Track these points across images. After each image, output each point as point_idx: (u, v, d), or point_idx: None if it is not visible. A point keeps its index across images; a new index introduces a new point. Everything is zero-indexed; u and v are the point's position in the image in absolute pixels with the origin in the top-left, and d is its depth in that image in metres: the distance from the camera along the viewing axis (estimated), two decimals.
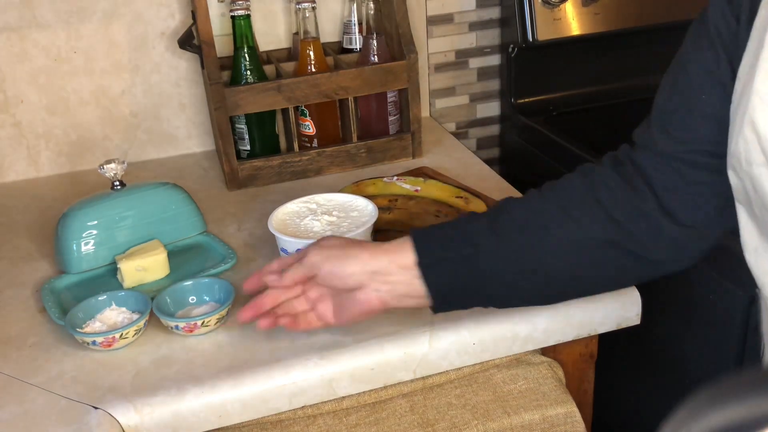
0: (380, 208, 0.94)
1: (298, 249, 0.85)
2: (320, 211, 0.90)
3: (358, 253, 0.73)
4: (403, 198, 0.99)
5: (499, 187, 1.12)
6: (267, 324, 0.77)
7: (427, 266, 0.71)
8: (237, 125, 1.19)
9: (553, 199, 0.74)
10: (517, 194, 1.10)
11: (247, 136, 1.20)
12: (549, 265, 0.72)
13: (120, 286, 0.91)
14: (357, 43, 1.28)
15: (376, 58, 1.20)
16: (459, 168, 1.19)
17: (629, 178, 0.71)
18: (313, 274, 0.74)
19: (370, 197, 0.94)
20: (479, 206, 0.96)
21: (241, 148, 1.21)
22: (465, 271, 0.72)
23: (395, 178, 1.03)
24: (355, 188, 1.02)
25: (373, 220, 0.87)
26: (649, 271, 0.74)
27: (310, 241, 0.82)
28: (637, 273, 0.75)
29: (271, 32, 1.30)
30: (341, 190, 1.01)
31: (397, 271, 0.72)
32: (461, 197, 0.97)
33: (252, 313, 0.77)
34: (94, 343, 0.80)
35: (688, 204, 0.69)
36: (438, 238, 0.73)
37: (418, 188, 0.99)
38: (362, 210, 0.90)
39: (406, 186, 1.00)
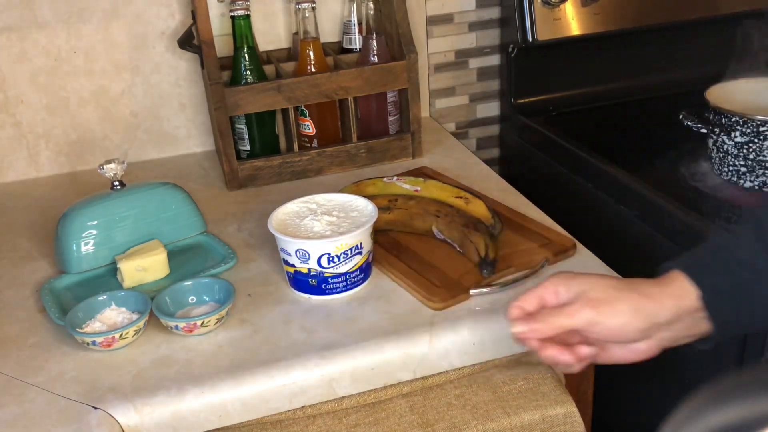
0: (380, 208, 0.93)
1: (298, 249, 0.85)
2: (320, 211, 0.90)
3: (627, 293, 0.65)
4: (403, 198, 0.99)
5: (498, 187, 1.13)
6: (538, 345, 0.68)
7: (712, 304, 0.64)
8: (237, 125, 1.19)
9: None
10: (517, 194, 1.10)
11: (247, 136, 1.20)
12: None
13: (120, 286, 0.91)
14: (357, 43, 1.28)
15: (376, 58, 1.20)
16: (459, 168, 1.19)
17: None
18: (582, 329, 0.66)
19: (370, 197, 0.94)
20: (479, 206, 0.96)
21: (241, 148, 1.21)
22: (747, 300, 0.64)
23: (395, 178, 1.03)
24: (355, 188, 1.02)
25: (373, 220, 0.87)
26: None
27: (310, 242, 0.82)
28: None
29: (271, 32, 1.30)
30: (341, 190, 1.01)
31: (684, 317, 0.65)
32: (461, 197, 0.97)
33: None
34: (94, 343, 0.80)
35: None
36: (714, 269, 0.65)
37: (418, 188, 0.99)
38: (362, 210, 0.90)
39: (406, 186, 1.00)
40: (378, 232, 0.96)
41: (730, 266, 0.65)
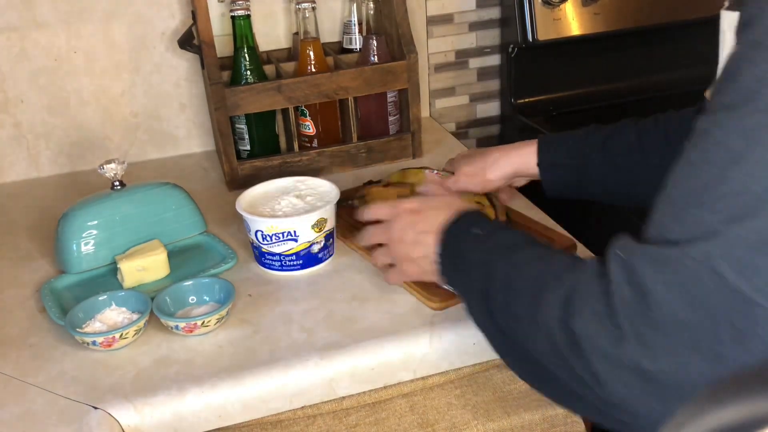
0: (402, 197, 0.98)
1: (244, 219, 0.93)
2: (295, 193, 0.97)
3: (496, 159, 0.95)
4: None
5: None
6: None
7: (544, 168, 0.92)
8: (237, 125, 1.20)
9: (664, 126, 0.85)
10: (517, 194, 1.10)
11: (247, 136, 1.20)
12: (642, 185, 0.83)
13: (120, 286, 0.91)
14: (357, 43, 1.28)
15: (376, 58, 1.20)
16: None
17: None
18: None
19: (407, 184, 1.03)
20: (489, 214, 0.95)
21: (241, 148, 1.21)
22: (575, 176, 0.90)
23: (435, 172, 1.05)
24: (401, 174, 1.06)
25: (313, 219, 0.91)
26: None
27: (249, 216, 0.91)
28: None
29: (271, 32, 1.30)
30: (392, 174, 1.08)
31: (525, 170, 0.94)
32: (479, 203, 0.96)
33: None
34: (94, 343, 0.80)
35: None
36: (558, 146, 0.92)
37: None
38: (321, 205, 0.94)
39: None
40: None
41: (571, 150, 0.91)
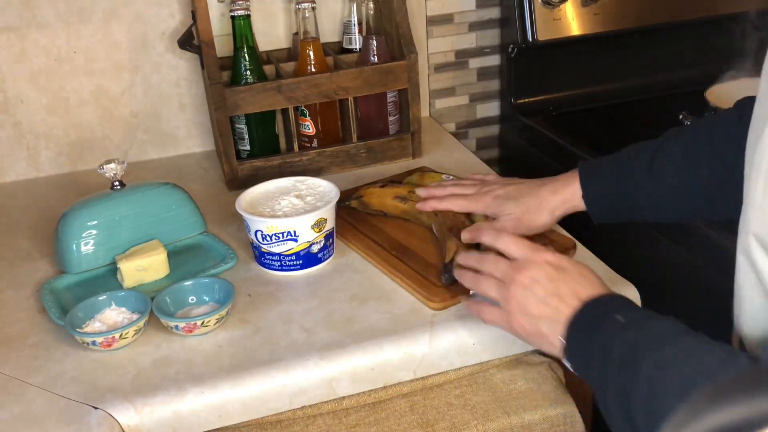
0: (398, 197, 1.00)
1: (245, 219, 0.93)
2: (295, 193, 0.97)
3: (544, 204, 0.89)
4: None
5: None
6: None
7: (590, 199, 0.86)
8: (237, 125, 1.20)
9: (708, 136, 0.81)
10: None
11: (247, 136, 1.20)
12: (698, 200, 0.81)
13: (120, 286, 0.91)
14: (357, 43, 1.28)
15: (376, 58, 1.20)
16: (459, 168, 1.19)
17: None
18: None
19: (407, 185, 1.03)
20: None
21: (241, 148, 1.21)
22: (624, 203, 0.85)
23: (451, 177, 1.04)
24: (420, 177, 1.06)
25: (314, 218, 0.91)
26: None
27: (249, 216, 0.91)
28: None
29: (271, 32, 1.30)
30: (410, 175, 1.08)
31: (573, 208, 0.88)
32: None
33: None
34: (94, 343, 0.80)
35: None
36: (601, 174, 0.87)
37: None
38: (321, 205, 0.94)
39: None
40: (383, 229, 0.99)
41: (618, 176, 0.85)
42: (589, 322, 0.67)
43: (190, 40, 1.17)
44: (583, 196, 0.87)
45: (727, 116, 0.81)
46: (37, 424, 0.73)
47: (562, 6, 1.29)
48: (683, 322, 0.64)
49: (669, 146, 0.84)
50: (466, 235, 0.87)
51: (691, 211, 0.84)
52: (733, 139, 0.76)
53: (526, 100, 1.40)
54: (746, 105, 0.76)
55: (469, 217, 0.95)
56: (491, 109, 1.48)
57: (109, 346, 0.81)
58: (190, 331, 0.82)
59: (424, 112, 1.41)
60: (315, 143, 1.21)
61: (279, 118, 1.24)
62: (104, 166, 0.95)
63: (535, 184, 0.91)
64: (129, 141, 1.30)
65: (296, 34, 1.25)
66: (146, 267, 0.92)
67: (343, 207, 1.02)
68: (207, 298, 0.87)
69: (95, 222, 0.93)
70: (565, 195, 0.88)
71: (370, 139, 1.21)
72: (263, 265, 0.94)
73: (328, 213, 0.92)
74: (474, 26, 1.40)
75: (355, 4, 1.26)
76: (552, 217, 0.89)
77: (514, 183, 0.95)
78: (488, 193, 0.94)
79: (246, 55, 1.16)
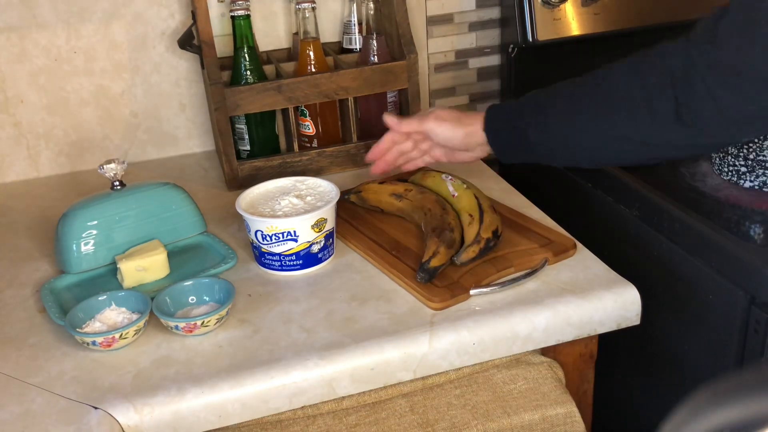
0: (395, 194, 1.02)
1: (244, 219, 0.94)
2: (295, 193, 0.97)
3: (458, 124, 0.97)
4: (416, 190, 1.00)
5: (499, 187, 1.13)
6: (383, 167, 1.03)
7: (490, 132, 0.95)
8: (237, 125, 1.20)
9: (602, 91, 0.88)
10: (517, 194, 1.10)
11: (247, 136, 1.20)
12: (584, 146, 0.89)
13: (120, 286, 0.91)
14: (357, 43, 1.28)
15: (376, 58, 1.20)
16: (459, 168, 1.18)
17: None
18: (426, 132, 0.99)
19: (402, 181, 1.05)
20: (472, 230, 0.94)
21: (241, 148, 1.21)
22: (518, 138, 0.93)
23: (450, 177, 1.04)
24: (422, 176, 1.07)
25: (314, 218, 0.91)
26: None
27: (249, 216, 0.91)
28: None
29: (271, 32, 1.30)
30: (414, 174, 1.09)
31: (479, 136, 0.96)
32: (471, 215, 0.95)
33: (373, 156, 1.03)
34: (94, 343, 0.80)
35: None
36: (503, 111, 0.96)
37: (456, 193, 0.99)
38: (321, 204, 0.94)
39: (450, 188, 1.01)
40: (382, 228, 1.00)
41: (514, 114, 0.94)
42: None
43: (190, 40, 1.17)
44: (484, 129, 0.95)
45: (623, 61, 0.89)
46: (37, 424, 0.73)
47: (562, 6, 1.29)
48: None
49: (562, 90, 0.93)
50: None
51: (587, 160, 0.93)
52: (626, 85, 0.86)
53: None
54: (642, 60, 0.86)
55: (458, 216, 0.95)
56: None
57: (109, 346, 0.81)
58: (190, 331, 0.82)
59: None
60: (315, 143, 1.21)
61: (279, 118, 1.24)
62: (104, 166, 0.95)
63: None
64: (129, 141, 1.30)
65: (296, 34, 1.25)
66: (146, 267, 0.92)
67: (342, 201, 1.03)
68: (207, 298, 0.87)
69: (95, 222, 0.93)
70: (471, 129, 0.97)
71: (370, 139, 1.21)
72: (263, 265, 0.94)
73: (328, 213, 0.92)
74: (474, 26, 1.40)
75: (355, 4, 1.26)
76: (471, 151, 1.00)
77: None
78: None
79: (246, 55, 1.16)
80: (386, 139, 1.02)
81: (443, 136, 0.98)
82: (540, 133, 0.91)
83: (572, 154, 0.91)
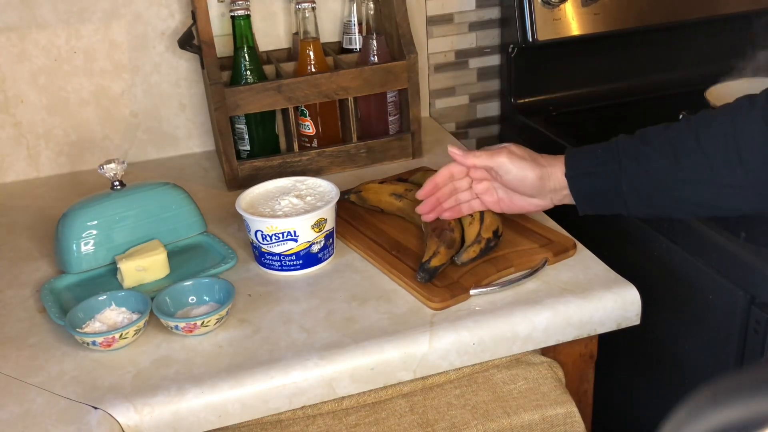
0: (395, 195, 1.01)
1: (245, 219, 0.93)
2: (295, 193, 0.97)
3: (535, 164, 0.87)
4: (415, 190, 1.00)
5: None
6: (430, 208, 0.92)
7: (573, 176, 0.85)
8: (237, 125, 1.20)
9: (694, 134, 0.80)
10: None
11: (247, 136, 1.20)
12: (679, 193, 0.81)
13: (120, 286, 0.91)
14: (357, 43, 1.28)
15: (376, 58, 1.20)
16: None
17: None
18: (495, 167, 0.88)
19: (402, 182, 1.05)
20: (473, 230, 0.94)
21: (241, 148, 1.21)
22: (608, 185, 0.83)
23: None
24: (422, 175, 1.06)
25: (314, 218, 0.91)
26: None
27: (249, 216, 0.91)
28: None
29: (271, 32, 1.30)
30: (415, 174, 1.08)
31: (557, 180, 0.87)
32: (471, 215, 0.95)
33: (427, 192, 0.92)
34: (94, 343, 0.80)
35: None
36: (589, 155, 0.85)
37: None
38: (321, 205, 0.94)
39: None
40: (382, 228, 0.99)
41: (602, 158, 0.84)
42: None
43: (190, 40, 1.17)
44: (566, 174, 0.85)
45: (717, 111, 0.82)
46: (37, 424, 0.73)
47: (562, 6, 1.30)
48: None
49: (656, 136, 0.83)
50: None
51: (680, 212, 0.86)
52: (721, 136, 0.78)
53: (526, 100, 1.40)
54: (735, 108, 0.79)
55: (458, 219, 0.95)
56: (491, 109, 1.48)
57: (109, 346, 0.81)
58: (190, 331, 0.82)
59: (424, 112, 1.41)
60: (315, 143, 1.22)
61: (279, 118, 1.24)
62: (104, 166, 0.95)
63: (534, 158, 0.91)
64: (129, 141, 1.30)
65: (296, 34, 1.25)
66: (146, 267, 0.92)
67: (342, 201, 1.03)
68: (207, 298, 0.87)
69: (95, 222, 0.93)
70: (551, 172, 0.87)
71: (370, 139, 1.21)
72: (263, 265, 0.94)
73: (328, 213, 0.92)
74: (474, 26, 1.40)
75: (355, 4, 1.26)
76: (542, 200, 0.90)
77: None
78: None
79: (246, 55, 1.16)
80: (443, 173, 0.91)
81: (515, 175, 0.87)
82: (635, 181, 0.82)
83: (671, 204, 0.83)
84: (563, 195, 0.87)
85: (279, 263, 0.92)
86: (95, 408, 0.74)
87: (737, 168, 0.77)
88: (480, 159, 0.88)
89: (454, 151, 0.90)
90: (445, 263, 0.88)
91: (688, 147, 0.79)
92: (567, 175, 0.85)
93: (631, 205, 0.83)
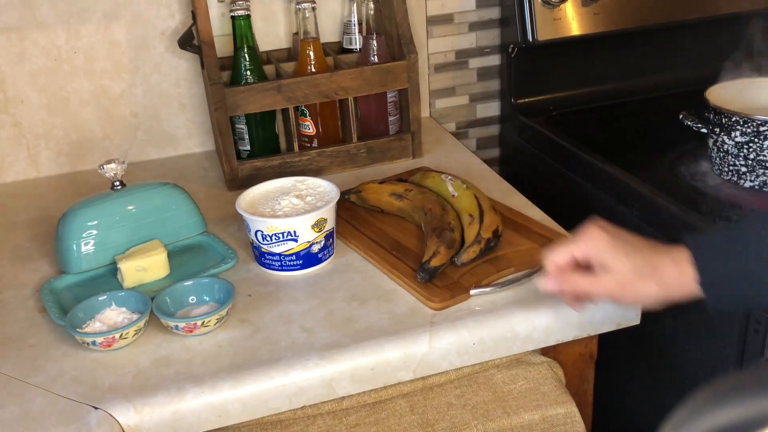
0: (395, 194, 1.01)
1: (245, 219, 0.93)
2: (295, 193, 0.97)
3: (648, 281, 0.74)
4: (416, 190, 1.00)
5: (499, 188, 1.12)
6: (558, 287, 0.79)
7: (708, 285, 0.71)
8: (237, 125, 1.20)
9: None
10: (517, 194, 1.10)
11: (247, 136, 1.20)
12: None
13: (120, 286, 0.91)
14: (357, 43, 1.28)
15: (376, 58, 1.20)
16: (459, 168, 1.19)
17: None
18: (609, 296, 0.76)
19: (403, 182, 1.04)
20: (473, 230, 0.94)
21: (241, 148, 1.21)
22: (745, 285, 0.71)
23: (450, 177, 1.03)
24: (422, 176, 1.06)
25: (314, 218, 0.91)
26: None
27: (249, 216, 0.91)
28: None
29: (271, 32, 1.30)
30: (414, 175, 1.08)
31: (683, 287, 0.74)
32: (471, 215, 0.95)
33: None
34: (94, 343, 0.80)
35: None
36: (718, 254, 0.72)
37: (456, 194, 0.99)
38: (321, 205, 0.94)
39: (450, 188, 1.00)
40: (382, 228, 1.00)
41: (735, 255, 0.70)
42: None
43: (190, 40, 1.17)
44: (701, 282, 0.72)
45: None
46: (37, 424, 0.73)
47: (562, 6, 1.30)
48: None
49: None
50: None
51: None
52: None
53: (526, 100, 1.40)
54: None
55: (458, 217, 0.95)
56: (491, 109, 1.48)
57: (109, 346, 0.81)
58: (190, 331, 0.82)
59: (424, 112, 1.41)
60: (315, 143, 1.22)
61: (279, 118, 1.24)
62: (104, 166, 0.95)
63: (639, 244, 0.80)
64: (129, 141, 1.30)
65: (296, 34, 1.25)
66: (146, 267, 0.92)
67: (342, 201, 1.03)
68: (207, 298, 0.87)
69: (95, 222, 0.93)
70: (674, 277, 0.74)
71: (370, 139, 1.21)
72: (263, 265, 0.94)
73: (328, 213, 0.92)
74: (474, 26, 1.40)
75: (355, 4, 1.26)
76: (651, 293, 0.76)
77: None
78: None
79: (246, 55, 1.16)
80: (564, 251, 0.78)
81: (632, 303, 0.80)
82: None
83: None
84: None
85: (279, 263, 0.92)
86: (95, 408, 0.74)
87: None
88: (579, 287, 0.77)
89: (547, 286, 0.78)
90: (445, 263, 0.88)
91: None
92: (702, 283, 0.72)
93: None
